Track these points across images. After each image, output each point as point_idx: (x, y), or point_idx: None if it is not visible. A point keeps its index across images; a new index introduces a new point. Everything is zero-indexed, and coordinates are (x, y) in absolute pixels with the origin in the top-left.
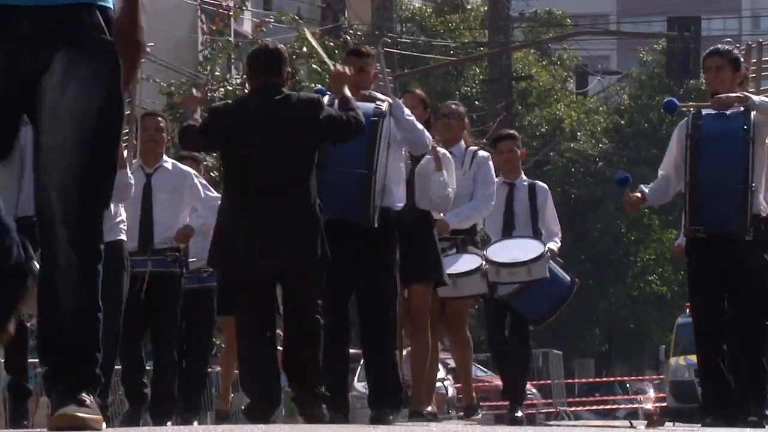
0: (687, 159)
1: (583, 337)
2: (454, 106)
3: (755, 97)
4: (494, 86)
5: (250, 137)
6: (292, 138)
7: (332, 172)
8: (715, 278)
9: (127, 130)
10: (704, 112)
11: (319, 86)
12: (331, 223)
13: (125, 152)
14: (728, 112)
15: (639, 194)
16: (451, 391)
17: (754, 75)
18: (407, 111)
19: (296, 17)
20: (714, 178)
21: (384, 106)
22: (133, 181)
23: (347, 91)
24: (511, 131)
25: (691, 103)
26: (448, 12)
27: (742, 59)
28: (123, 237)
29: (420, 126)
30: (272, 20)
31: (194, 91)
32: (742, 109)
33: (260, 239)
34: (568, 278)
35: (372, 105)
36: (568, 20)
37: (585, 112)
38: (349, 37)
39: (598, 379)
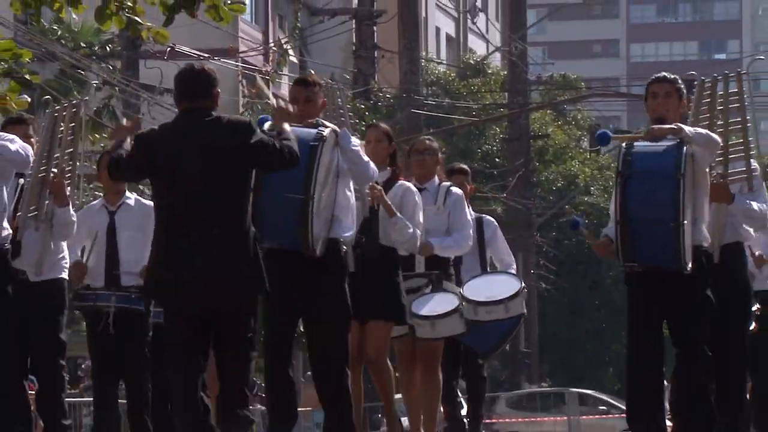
0: (616, 196)
1: (598, 377)
2: (428, 142)
3: (689, 129)
4: (514, 144)
5: (177, 163)
6: (221, 163)
7: (269, 197)
8: (654, 311)
9: (69, 167)
10: (636, 145)
11: (264, 115)
12: (273, 252)
13: (68, 189)
14: (662, 147)
15: (604, 239)
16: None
17: (722, 107)
18: (354, 141)
19: (330, 81)
20: (644, 217)
21: (326, 132)
22: (75, 219)
23: (286, 126)
24: (463, 166)
25: (624, 135)
26: (471, 76)
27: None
28: (65, 275)
29: (365, 158)
30: None
31: (125, 121)
32: (676, 141)
33: (190, 270)
34: (520, 311)
35: (314, 131)
36: (582, 83)
37: (598, 168)
38: (379, 101)
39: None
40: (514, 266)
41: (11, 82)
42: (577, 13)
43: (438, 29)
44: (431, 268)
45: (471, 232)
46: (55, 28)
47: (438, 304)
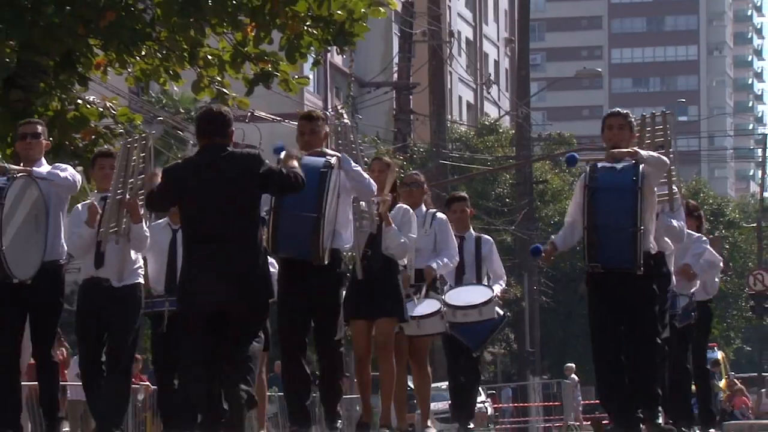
0: (585, 207)
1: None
2: (415, 176)
3: (643, 152)
4: (520, 188)
5: (197, 190)
6: (234, 189)
7: (286, 216)
8: (612, 307)
9: (142, 191)
10: (600, 165)
11: (279, 143)
12: (286, 261)
13: (142, 209)
14: (620, 166)
15: (549, 245)
16: (490, 410)
17: (649, 141)
18: (353, 163)
19: (375, 138)
20: (608, 223)
21: (333, 160)
22: (148, 234)
23: (293, 164)
24: (462, 194)
25: (590, 157)
26: (486, 134)
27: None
28: (140, 281)
29: (366, 175)
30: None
31: (156, 171)
32: (632, 162)
33: (207, 278)
34: (500, 313)
35: (323, 159)
36: (574, 140)
37: None
38: (414, 154)
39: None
40: (504, 278)
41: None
42: (570, 85)
43: (460, 97)
44: (420, 281)
45: (456, 249)
46: (161, 97)
47: (424, 308)
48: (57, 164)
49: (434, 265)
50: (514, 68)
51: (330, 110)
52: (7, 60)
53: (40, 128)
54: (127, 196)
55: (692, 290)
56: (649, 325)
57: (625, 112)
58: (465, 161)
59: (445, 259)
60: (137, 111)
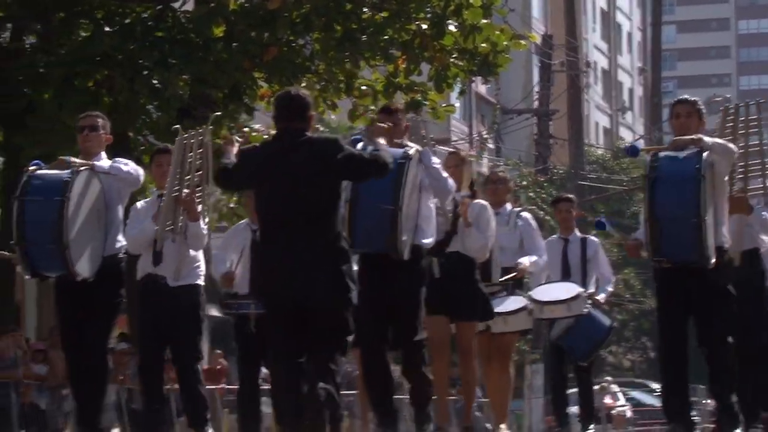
0: (645, 197)
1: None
2: (501, 174)
3: (708, 139)
4: None
5: (273, 176)
6: (311, 176)
7: (362, 208)
8: (680, 304)
9: (200, 188)
10: (662, 155)
11: (356, 136)
12: (365, 257)
13: (199, 207)
14: (683, 154)
15: (633, 240)
16: (629, 414)
17: (743, 131)
18: (435, 159)
19: (518, 161)
20: (669, 214)
21: (411, 152)
22: (206, 232)
23: (380, 140)
24: (569, 195)
25: (651, 147)
26: (621, 157)
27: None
28: (200, 282)
29: (444, 174)
30: (502, 164)
31: (236, 137)
32: (696, 150)
33: (282, 271)
34: (608, 322)
35: (401, 150)
36: None
37: None
38: (554, 176)
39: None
40: (612, 281)
41: None
42: None
43: (597, 123)
44: (506, 279)
45: (543, 248)
46: (319, 126)
47: (510, 304)
48: (118, 158)
49: (526, 262)
50: (647, 95)
51: (475, 136)
52: (181, 92)
53: (100, 121)
54: (184, 193)
55: None
56: (718, 325)
57: (693, 99)
58: (602, 182)
59: (535, 257)
60: None
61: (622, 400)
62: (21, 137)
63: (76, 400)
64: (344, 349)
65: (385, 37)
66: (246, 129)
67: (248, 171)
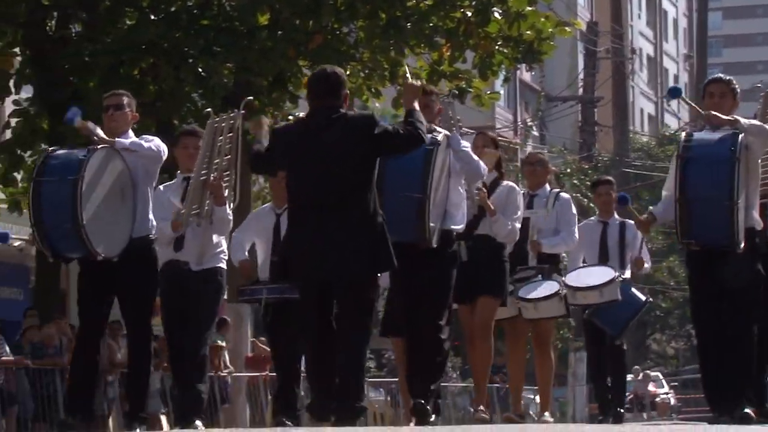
0: (677, 177)
1: None
2: (540, 155)
3: (744, 120)
4: None
5: (305, 155)
6: (345, 153)
7: (390, 196)
8: (712, 286)
9: (228, 172)
10: (696, 134)
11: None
12: (393, 245)
13: (225, 192)
14: (718, 135)
15: (648, 215)
16: (673, 401)
17: None
18: (464, 143)
19: (562, 148)
20: (701, 195)
21: (440, 137)
22: (231, 217)
23: (416, 104)
24: (609, 177)
25: (692, 102)
26: (666, 144)
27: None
28: (223, 265)
29: (475, 157)
30: (546, 151)
31: (262, 118)
32: (732, 131)
33: (313, 254)
34: (642, 298)
35: (429, 136)
36: None
37: None
38: (598, 163)
39: None
40: (648, 264)
41: None
42: (747, 97)
43: (642, 110)
44: (542, 263)
45: (576, 229)
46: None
47: (542, 290)
48: (143, 135)
49: (544, 242)
50: (693, 82)
51: (520, 123)
52: (226, 80)
53: (125, 100)
54: (212, 177)
55: None
56: (744, 309)
57: (728, 78)
58: (646, 169)
59: (558, 239)
60: None
61: (665, 388)
62: (66, 126)
63: (70, 379)
64: (371, 318)
65: (430, 24)
66: (291, 117)
67: (280, 150)
